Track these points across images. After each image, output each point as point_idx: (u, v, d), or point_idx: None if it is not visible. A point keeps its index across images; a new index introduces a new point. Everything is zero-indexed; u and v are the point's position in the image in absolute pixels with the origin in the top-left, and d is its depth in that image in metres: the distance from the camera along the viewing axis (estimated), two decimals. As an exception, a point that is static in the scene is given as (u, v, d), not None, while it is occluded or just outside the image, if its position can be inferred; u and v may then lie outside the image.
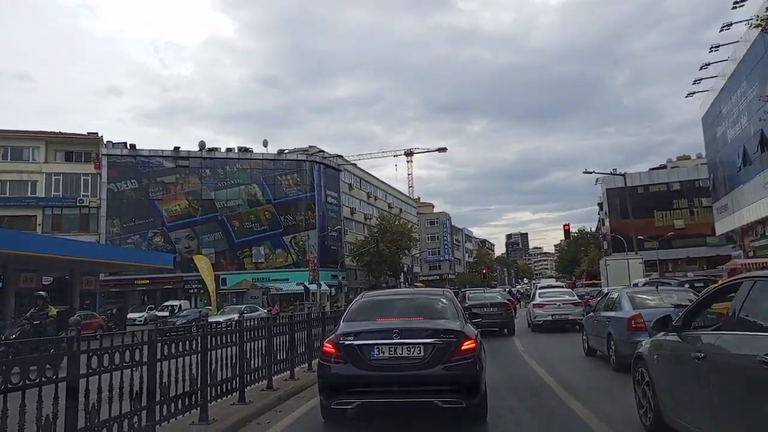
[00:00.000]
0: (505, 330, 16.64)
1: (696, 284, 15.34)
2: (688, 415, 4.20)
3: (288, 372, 8.67)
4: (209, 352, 6.14)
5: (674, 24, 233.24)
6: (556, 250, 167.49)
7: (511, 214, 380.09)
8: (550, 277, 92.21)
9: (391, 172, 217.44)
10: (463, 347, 5.27)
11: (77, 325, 4.39)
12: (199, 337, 6.05)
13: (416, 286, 51.39)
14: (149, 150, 49.11)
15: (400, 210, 76.81)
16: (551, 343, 14.46)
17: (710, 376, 3.79)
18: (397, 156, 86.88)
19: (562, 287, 26.10)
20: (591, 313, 11.77)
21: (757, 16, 15.92)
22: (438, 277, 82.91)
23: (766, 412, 3.01)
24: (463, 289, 28.50)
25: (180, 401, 5.49)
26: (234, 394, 6.71)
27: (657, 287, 10.93)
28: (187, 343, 5.80)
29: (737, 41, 32.08)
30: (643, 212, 53.50)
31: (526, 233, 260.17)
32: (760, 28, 16.33)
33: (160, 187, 48.41)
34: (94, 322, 24.46)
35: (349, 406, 5.42)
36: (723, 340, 3.77)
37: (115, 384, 4.49)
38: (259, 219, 50.90)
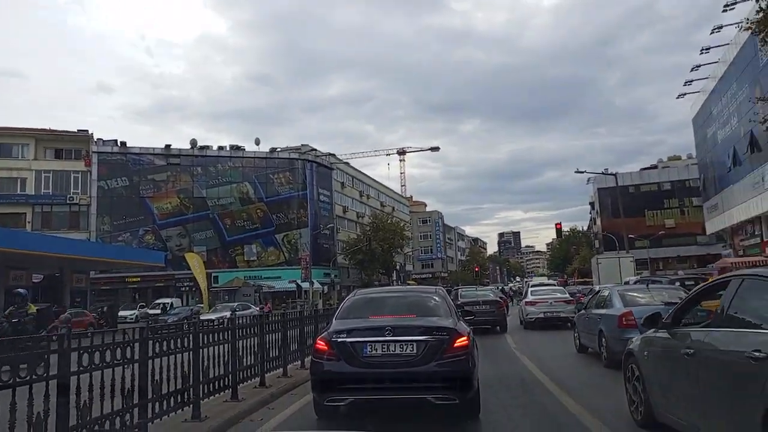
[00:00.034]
0: (498, 327, 16.70)
1: (686, 282, 15.46)
2: (678, 410, 4.25)
3: (281, 369, 8.67)
4: (201, 350, 6.12)
5: (666, 26, 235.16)
6: (548, 248, 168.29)
7: (503, 213, 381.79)
8: (542, 275, 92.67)
9: (383, 171, 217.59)
10: (455, 344, 5.28)
11: (68, 323, 4.37)
12: (191, 335, 6.03)
13: (409, 284, 51.46)
14: (140, 148, 48.78)
15: (393, 208, 76.82)
16: (543, 340, 14.54)
17: (699, 372, 3.84)
18: (389, 155, 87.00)
19: (554, 285, 26.21)
20: (582, 311, 11.85)
21: (747, 19, 16.03)
22: (430, 276, 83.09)
23: (753, 407, 3.04)
24: (455, 287, 28.56)
25: (172, 398, 5.48)
26: (227, 391, 6.71)
27: (648, 285, 11.01)
28: (179, 340, 5.79)
29: (728, 44, 32.41)
30: (634, 211, 53.85)
31: (518, 232, 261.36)
32: (750, 31, 16.42)
33: (151, 184, 48.12)
34: (85, 320, 24.34)
35: (342, 403, 5.43)
36: (712, 336, 3.82)
37: (107, 382, 4.47)
38: (251, 217, 50.74)
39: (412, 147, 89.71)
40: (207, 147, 51.43)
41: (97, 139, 47.23)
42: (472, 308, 12.84)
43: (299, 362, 9.55)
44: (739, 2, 27.05)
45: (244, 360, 7.33)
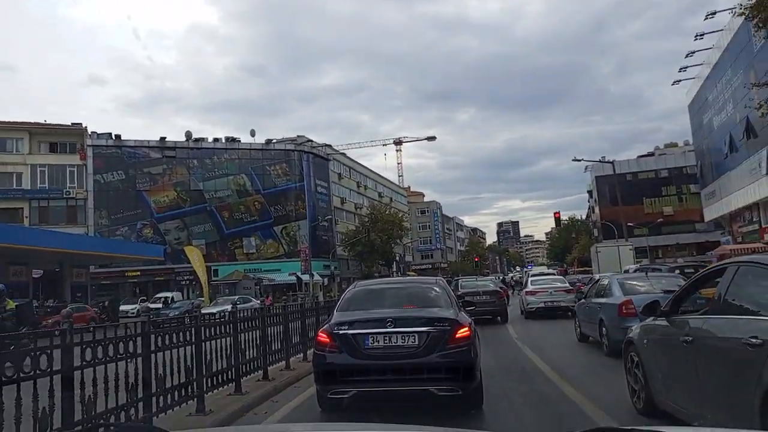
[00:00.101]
0: (499, 318, 16.75)
1: (686, 270, 15.51)
2: (677, 397, 4.29)
3: (283, 362, 8.70)
4: (204, 343, 6.14)
5: (659, 12, 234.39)
6: (547, 237, 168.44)
7: (501, 202, 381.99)
8: (542, 264, 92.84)
9: (380, 162, 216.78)
10: (457, 335, 5.30)
11: (69, 317, 4.37)
12: (192, 329, 6.05)
13: (409, 276, 51.54)
14: (135, 140, 48.51)
15: (391, 199, 76.75)
16: (544, 329, 14.60)
17: (698, 359, 3.88)
18: (386, 145, 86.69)
19: (554, 274, 26.28)
20: (583, 300, 11.89)
21: (741, 5, 15.96)
22: (430, 266, 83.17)
23: (750, 393, 3.08)
24: (455, 278, 28.62)
25: (176, 392, 5.51)
26: (230, 384, 6.74)
27: (647, 273, 11.05)
28: (181, 334, 5.80)
29: (722, 29, 32.29)
30: (632, 199, 53.91)
31: (517, 221, 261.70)
32: (743, 17, 16.36)
33: (148, 178, 47.95)
34: (86, 315, 24.36)
35: (346, 395, 5.44)
36: (709, 323, 3.87)
37: (111, 376, 4.48)
38: (249, 209, 50.65)
39: (409, 137, 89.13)
40: (202, 139, 51.19)
41: (92, 132, 46.95)
42: (472, 299, 12.86)
43: (301, 355, 9.59)
44: (733, -13, 26.94)
45: (247, 353, 7.36)
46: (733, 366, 3.40)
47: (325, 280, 51.65)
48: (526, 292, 19.37)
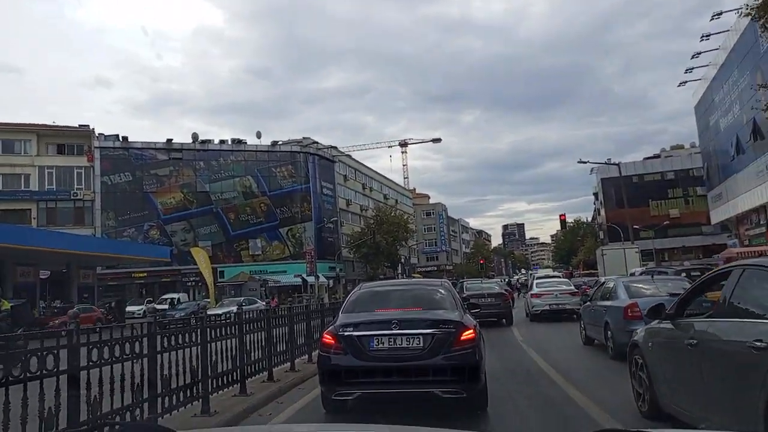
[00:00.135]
0: (504, 320, 16.71)
1: (692, 273, 15.43)
2: (682, 400, 4.28)
3: (288, 363, 8.72)
4: (209, 344, 6.16)
5: (664, 13, 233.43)
6: (552, 240, 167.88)
7: (506, 204, 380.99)
8: (548, 267, 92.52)
9: (385, 163, 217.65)
10: (462, 337, 5.30)
11: (76, 318, 4.40)
12: (198, 330, 6.07)
13: (414, 277, 51.52)
14: (142, 142, 48.81)
15: (396, 201, 76.74)
16: (549, 332, 14.56)
17: (702, 362, 3.87)
18: (391, 147, 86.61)
19: (560, 277, 26.20)
20: (588, 303, 11.85)
21: (747, 5, 15.87)
22: (435, 268, 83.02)
23: (755, 396, 3.07)
24: (460, 280, 28.58)
25: (182, 393, 5.53)
26: (235, 385, 6.76)
27: (653, 276, 11.00)
28: (187, 335, 5.82)
29: (728, 30, 32.14)
30: (638, 201, 53.68)
31: (523, 224, 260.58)
32: (750, 17, 16.27)
33: (154, 179, 48.20)
34: (92, 316, 24.50)
35: (350, 397, 5.44)
36: (714, 326, 3.86)
37: (116, 377, 4.51)
38: (255, 211, 50.80)
39: (414, 138, 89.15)
40: (208, 141, 51.45)
41: (99, 134, 47.28)
42: (477, 301, 12.83)
43: (306, 356, 9.60)
44: (740, -12, 26.82)
45: (252, 354, 7.37)
46: (737, 369, 3.39)
47: (331, 281, 51.68)
48: (531, 294, 19.32)
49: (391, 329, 5.31)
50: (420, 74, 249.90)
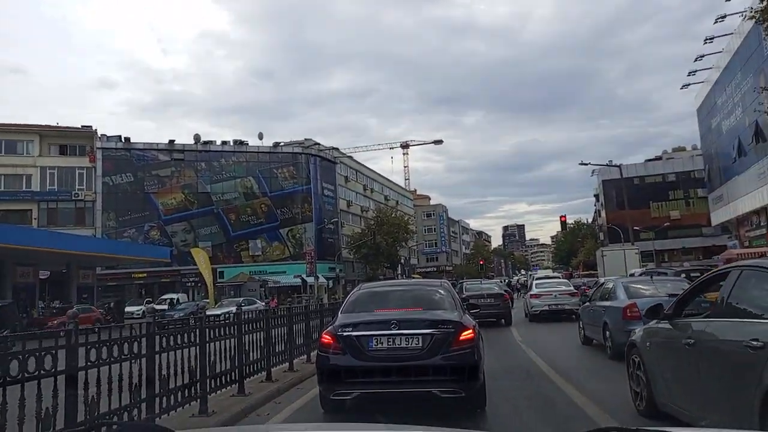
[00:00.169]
0: (503, 320, 16.71)
1: (692, 274, 15.38)
2: (679, 399, 4.29)
3: (287, 364, 8.72)
4: (208, 345, 6.16)
5: (668, 16, 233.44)
6: (552, 241, 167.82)
7: (507, 205, 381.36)
8: (547, 268, 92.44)
9: (387, 165, 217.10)
10: (461, 337, 5.30)
11: (75, 318, 4.40)
12: (197, 330, 6.08)
13: (413, 278, 51.51)
14: (144, 143, 48.88)
15: (397, 202, 76.74)
16: (548, 332, 14.57)
17: (699, 361, 3.89)
18: (393, 148, 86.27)
19: (559, 278, 26.20)
20: (587, 303, 11.85)
21: (751, 8, 15.88)
22: (435, 269, 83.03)
23: (750, 395, 3.08)
24: (460, 281, 28.57)
25: (180, 393, 5.53)
26: (233, 386, 6.75)
27: (652, 277, 11.00)
28: (186, 335, 5.82)
29: (731, 33, 32.11)
30: (639, 203, 53.67)
31: (523, 225, 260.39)
32: (753, 20, 16.30)
33: (156, 180, 48.24)
34: (91, 316, 24.50)
35: (348, 397, 5.44)
36: (711, 326, 3.88)
37: (114, 377, 4.51)
38: (256, 212, 50.82)
39: (416, 140, 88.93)
40: (210, 142, 51.50)
41: (101, 135, 47.33)
42: (477, 301, 12.83)
43: (305, 356, 9.60)
44: (743, -9, 26.79)
45: (251, 355, 7.38)
46: (734, 368, 3.41)
47: (330, 282, 51.67)
48: (531, 295, 19.34)
49: (390, 329, 5.31)
50: (423, 76, 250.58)
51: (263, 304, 28.32)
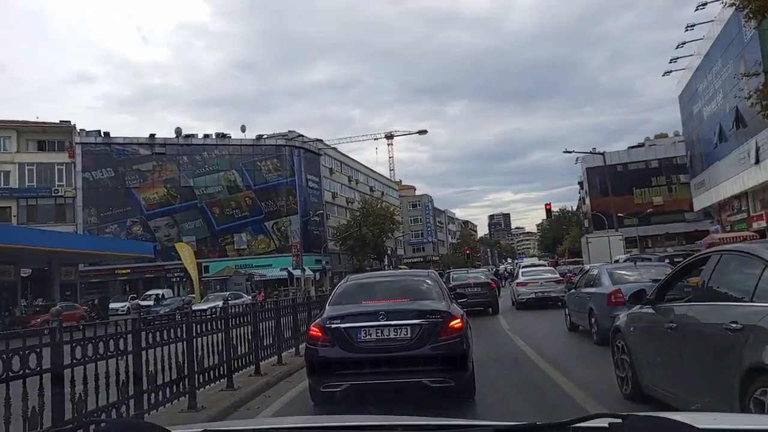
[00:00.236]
0: (490, 309, 16.83)
1: (675, 259, 15.66)
2: (663, 382, 4.37)
3: (275, 357, 8.71)
4: (195, 340, 6.13)
5: (650, 3, 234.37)
6: (538, 229, 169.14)
7: (492, 195, 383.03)
8: (533, 255, 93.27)
9: (371, 156, 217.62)
10: (449, 327, 5.34)
11: (59, 315, 4.34)
12: (183, 325, 6.04)
13: (400, 269, 51.62)
14: (124, 138, 48.11)
15: (382, 193, 76.74)
16: (535, 320, 14.71)
17: (682, 344, 3.96)
18: (377, 139, 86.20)
19: (545, 266, 26.45)
20: (573, 290, 11.99)
21: (732, -5, 16.02)
22: (422, 259, 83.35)
23: (730, 377, 3.14)
24: (447, 270, 28.72)
25: (168, 389, 5.50)
26: (222, 380, 6.74)
27: (636, 263, 11.16)
28: (172, 331, 5.79)
29: (712, 20, 32.43)
30: (622, 190, 54.20)
31: (508, 213, 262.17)
32: (734, 7, 16.44)
33: (137, 175, 47.57)
34: (75, 313, 24.22)
35: (338, 389, 5.46)
36: (693, 310, 3.95)
37: (101, 374, 4.47)
38: (240, 205, 50.45)
39: (400, 131, 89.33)
40: (192, 135, 50.83)
41: (80, 129, 46.45)
42: (464, 291, 12.93)
43: (294, 349, 9.60)
44: (723, -21, 27.04)
45: (239, 349, 7.36)
46: (714, 351, 3.48)
47: (317, 274, 51.62)
48: (517, 283, 19.50)
49: (379, 320, 5.32)
50: (407, 67, 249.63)
51: (250, 297, 28.25)
